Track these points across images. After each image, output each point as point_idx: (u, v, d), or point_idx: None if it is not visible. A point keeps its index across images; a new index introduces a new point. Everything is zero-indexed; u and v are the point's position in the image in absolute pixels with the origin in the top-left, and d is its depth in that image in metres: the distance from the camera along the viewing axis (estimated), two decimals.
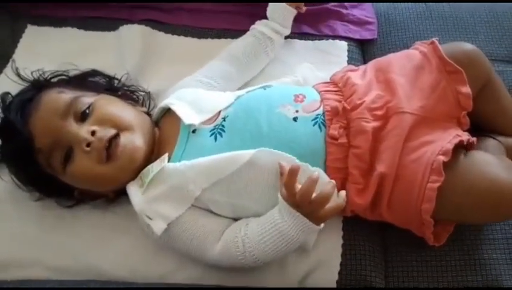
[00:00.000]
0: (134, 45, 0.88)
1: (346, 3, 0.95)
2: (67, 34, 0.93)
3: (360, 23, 0.94)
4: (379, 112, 0.65)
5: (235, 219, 0.67)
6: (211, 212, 0.66)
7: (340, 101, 0.68)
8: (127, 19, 0.93)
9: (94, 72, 0.79)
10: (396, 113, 0.64)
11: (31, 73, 0.76)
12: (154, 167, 0.66)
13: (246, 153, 0.62)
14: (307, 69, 0.84)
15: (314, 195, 0.56)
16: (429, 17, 0.94)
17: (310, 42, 0.91)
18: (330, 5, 0.94)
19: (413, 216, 0.62)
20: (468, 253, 0.70)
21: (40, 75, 0.76)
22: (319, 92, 0.71)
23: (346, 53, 0.89)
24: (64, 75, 0.76)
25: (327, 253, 0.69)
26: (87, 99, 0.69)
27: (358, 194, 0.64)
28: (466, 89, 0.66)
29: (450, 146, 0.61)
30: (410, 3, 0.96)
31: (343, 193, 0.61)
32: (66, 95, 0.68)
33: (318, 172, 0.60)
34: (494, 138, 0.73)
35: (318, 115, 0.66)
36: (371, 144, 0.63)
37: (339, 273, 0.68)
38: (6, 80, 0.79)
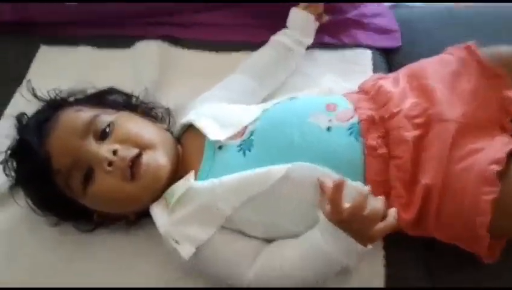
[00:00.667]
0: (151, 61, 0.86)
1: (366, 12, 0.92)
2: (81, 53, 0.91)
3: (383, 31, 0.91)
4: (419, 120, 0.61)
5: (268, 240, 0.62)
6: (242, 233, 0.62)
7: (374, 109, 0.64)
8: (141, 35, 0.91)
9: (112, 90, 0.76)
10: (438, 121, 0.60)
11: (47, 92, 0.73)
12: (179, 186, 0.62)
13: (280, 168, 0.58)
14: (331, 81, 0.81)
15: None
16: (453, 23, 0.91)
17: (331, 52, 0.88)
18: (350, 15, 0.91)
19: (466, 231, 0.57)
20: None
21: (57, 94, 0.73)
22: (351, 101, 0.67)
23: (371, 62, 0.86)
24: (81, 93, 0.73)
25: (369, 274, 0.63)
26: (107, 117, 0.65)
27: (403, 209, 0.59)
28: (510, 94, 0.62)
29: (503, 154, 0.56)
30: (432, 11, 0.93)
31: (393, 210, 0.56)
32: (84, 114, 0.65)
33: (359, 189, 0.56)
34: None
35: (353, 124, 0.62)
36: (412, 154, 0.59)
37: (385, 283, 0.62)
38: (21, 100, 0.76)
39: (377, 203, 0.53)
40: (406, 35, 0.91)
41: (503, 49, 0.67)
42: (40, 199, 0.67)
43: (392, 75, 0.72)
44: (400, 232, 0.63)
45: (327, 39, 0.89)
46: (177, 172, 0.65)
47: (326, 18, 0.84)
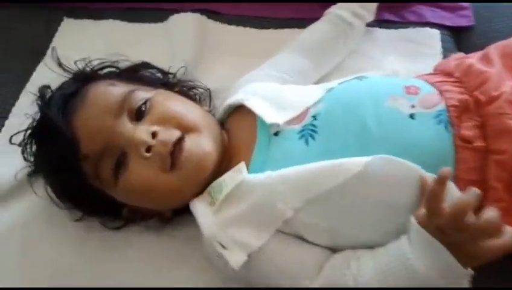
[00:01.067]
0: (186, 37, 0.76)
1: None
2: (108, 27, 0.82)
3: (452, 8, 0.79)
4: None
5: (332, 249, 0.51)
6: (301, 238, 0.51)
7: (467, 93, 0.53)
8: (176, 9, 0.81)
9: (147, 65, 0.66)
10: None
11: (75, 63, 0.64)
12: (228, 180, 0.51)
13: (357, 161, 0.47)
14: (396, 63, 0.70)
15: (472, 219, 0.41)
16: None
17: (393, 31, 0.77)
18: None
19: None
20: None
21: (86, 64, 0.63)
22: (433, 84, 0.56)
23: (440, 43, 0.74)
24: (114, 66, 0.63)
25: None
26: (143, 94, 0.56)
27: (504, 215, 0.47)
28: None
29: None
30: None
31: (510, 228, 0.42)
32: (118, 89, 0.55)
33: (451, 189, 0.44)
34: None
35: (441, 111, 0.51)
36: None
37: None
38: (44, 74, 0.67)
39: (490, 211, 0.42)
40: (480, 13, 0.79)
41: None
42: (63, 188, 0.57)
43: (477, 54, 0.61)
44: None
45: (388, 16, 0.78)
46: (222, 163, 0.55)
47: None
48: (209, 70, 0.73)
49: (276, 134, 0.53)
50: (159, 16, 0.81)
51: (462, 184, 0.48)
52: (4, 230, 0.60)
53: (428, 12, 0.78)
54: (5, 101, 0.72)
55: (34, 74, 0.74)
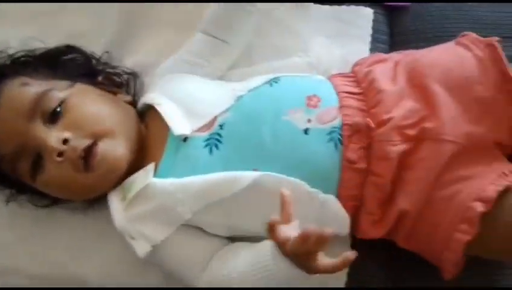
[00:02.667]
0: (114, 9, 0.73)
1: None
2: None
3: None
4: (411, 131, 0.53)
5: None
6: (203, 230, 0.58)
7: (363, 110, 0.56)
8: None
9: (68, 49, 0.66)
10: (434, 139, 0.53)
11: None
12: (138, 181, 0.56)
13: (247, 177, 0.52)
14: (322, 46, 0.71)
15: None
16: None
17: (327, 8, 0.75)
18: None
19: (432, 257, 0.55)
20: (490, 277, 0.63)
21: (3, 59, 0.63)
22: (338, 93, 0.58)
23: (371, 24, 0.74)
24: (29, 56, 0.63)
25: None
26: (58, 94, 0.57)
27: (373, 227, 0.55)
28: None
29: (493, 194, 0.50)
30: None
31: (350, 254, 0.46)
32: (31, 89, 0.57)
33: (331, 202, 0.52)
34: None
35: (334, 128, 0.55)
36: (394, 172, 0.53)
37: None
38: None
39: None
40: None
41: None
42: None
43: (393, 57, 0.62)
44: None
45: None
46: (141, 155, 0.59)
47: None
48: (139, 46, 0.72)
49: (185, 140, 0.57)
50: None
51: (343, 197, 0.55)
52: None
53: None
54: None
55: None
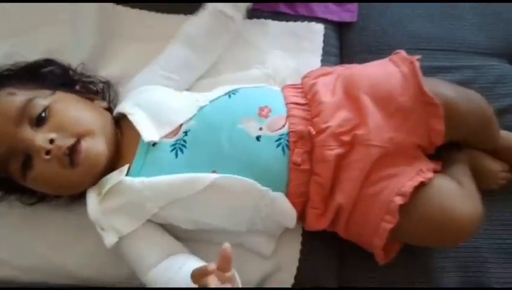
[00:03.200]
0: (90, 23, 0.81)
1: None
2: (17, 6, 0.83)
3: (340, 2, 0.87)
4: (345, 138, 0.63)
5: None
6: (167, 232, 0.67)
7: (306, 119, 0.65)
8: None
9: (47, 63, 0.73)
10: (363, 145, 0.63)
11: None
12: (112, 178, 0.65)
13: (206, 178, 0.62)
14: (279, 58, 0.80)
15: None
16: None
17: (284, 24, 0.85)
18: None
19: (365, 243, 0.65)
20: (419, 259, 0.73)
21: None
22: (287, 104, 0.68)
23: (322, 38, 0.84)
24: (12, 69, 0.71)
25: (286, 258, 0.71)
26: (41, 101, 0.65)
27: (317, 219, 0.65)
28: (440, 126, 0.63)
29: (409, 189, 0.60)
30: None
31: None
32: (17, 98, 0.64)
33: (279, 199, 0.63)
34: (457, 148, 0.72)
35: (282, 135, 0.64)
36: (332, 172, 0.63)
37: (295, 277, 0.71)
38: None
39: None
40: (364, 9, 0.87)
41: (441, 90, 0.65)
42: None
43: (336, 72, 0.71)
44: None
45: (282, 8, 0.85)
46: (116, 158, 0.68)
47: None
48: (114, 57, 0.80)
49: (154, 145, 0.66)
50: None
51: (292, 195, 0.65)
52: None
53: (319, 7, 0.86)
54: None
55: None
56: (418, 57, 0.67)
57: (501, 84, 0.81)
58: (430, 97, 0.63)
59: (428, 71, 0.79)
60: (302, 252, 0.72)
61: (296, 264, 0.71)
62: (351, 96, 0.66)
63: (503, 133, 0.75)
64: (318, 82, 0.69)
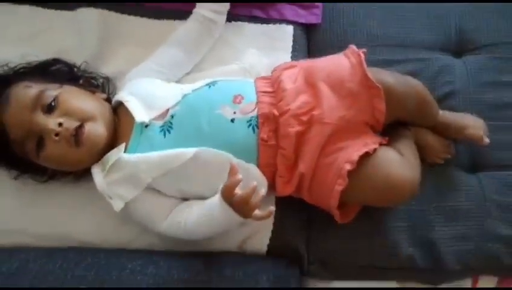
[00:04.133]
0: (92, 28, 0.94)
1: None
2: (26, 12, 0.97)
3: (307, 6, 1.00)
4: (304, 118, 0.76)
5: (185, 199, 0.80)
6: (163, 193, 0.79)
7: (273, 104, 0.78)
8: None
9: (55, 61, 0.86)
10: (319, 123, 0.76)
11: None
12: (112, 156, 0.77)
13: (189, 151, 0.75)
14: (254, 56, 0.93)
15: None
16: (370, 3, 1.01)
17: (258, 26, 0.98)
18: None
19: (325, 204, 0.78)
20: (375, 220, 0.85)
21: (5, 71, 0.83)
22: (257, 92, 0.81)
23: (292, 38, 0.97)
24: (27, 67, 0.84)
25: (261, 223, 0.82)
26: (52, 92, 0.77)
27: (284, 185, 0.78)
28: (381, 106, 0.76)
29: (356, 157, 0.73)
30: None
31: (272, 208, 0.70)
32: (32, 90, 0.77)
33: (252, 169, 0.75)
34: (405, 126, 0.86)
35: (252, 117, 0.77)
36: (295, 146, 0.76)
37: (270, 239, 0.83)
38: None
39: (256, 197, 0.68)
40: (328, 11, 1.01)
41: (382, 77, 0.78)
42: (1, 159, 0.82)
43: (300, 65, 0.84)
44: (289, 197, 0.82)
45: (256, 12, 0.99)
46: (114, 139, 0.80)
47: None
48: (112, 57, 0.93)
49: (146, 126, 0.79)
50: (67, 3, 0.96)
51: (262, 166, 0.78)
52: None
53: (288, 11, 0.99)
54: None
55: None
56: (364, 50, 0.81)
57: (444, 73, 0.95)
58: (372, 82, 0.76)
59: (382, 63, 0.93)
60: (275, 217, 0.83)
61: (271, 227, 0.84)
62: (310, 83, 0.79)
63: (443, 112, 0.88)
64: (283, 74, 0.82)
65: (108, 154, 0.78)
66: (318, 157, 0.76)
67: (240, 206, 0.68)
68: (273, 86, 0.82)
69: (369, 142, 0.76)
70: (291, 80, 0.81)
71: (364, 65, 0.78)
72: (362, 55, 0.79)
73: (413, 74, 0.92)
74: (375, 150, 0.76)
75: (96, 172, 0.79)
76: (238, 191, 0.68)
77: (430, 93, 0.85)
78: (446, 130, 0.87)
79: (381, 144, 0.79)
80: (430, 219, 0.86)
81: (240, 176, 0.67)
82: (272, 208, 0.70)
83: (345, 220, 0.81)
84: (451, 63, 0.96)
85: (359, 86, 0.77)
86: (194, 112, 0.78)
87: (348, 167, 0.73)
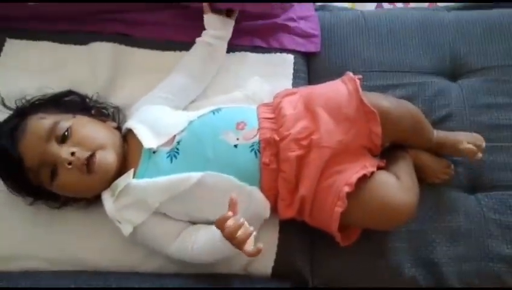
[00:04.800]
0: (104, 61, 1.00)
1: (294, 16, 1.06)
2: (44, 47, 1.03)
3: (306, 36, 1.05)
4: (304, 142, 0.80)
5: (192, 222, 0.83)
6: (171, 217, 0.82)
7: (274, 129, 0.82)
8: (97, 31, 1.03)
9: (68, 93, 0.92)
10: (318, 147, 0.79)
11: (15, 101, 0.90)
12: (121, 182, 0.81)
13: (194, 176, 0.78)
14: (257, 83, 0.97)
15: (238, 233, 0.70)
16: (366, 31, 1.05)
17: (260, 55, 1.03)
18: (279, 19, 1.04)
19: (325, 226, 0.80)
20: (377, 241, 0.87)
21: (23, 103, 0.89)
22: (259, 119, 0.85)
23: (292, 66, 1.02)
24: (42, 99, 0.89)
25: (266, 246, 0.84)
26: (65, 123, 0.82)
27: (286, 208, 0.81)
28: (377, 129, 0.79)
29: (354, 180, 0.76)
30: (351, 17, 1.07)
31: (260, 246, 0.71)
32: (46, 121, 0.82)
33: (255, 192, 0.79)
34: (403, 149, 0.89)
35: (254, 142, 0.81)
36: (295, 169, 0.79)
37: (274, 261, 0.86)
38: None
39: (245, 232, 0.70)
40: (326, 40, 1.05)
41: (377, 101, 0.81)
42: (18, 187, 0.86)
43: (300, 91, 0.88)
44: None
45: (258, 42, 1.04)
46: (124, 165, 0.84)
47: (236, 13, 0.99)
48: (122, 88, 0.98)
49: (154, 152, 0.83)
50: (84, 39, 1.02)
51: (264, 189, 0.81)
52: None
53: (288, 40, 1.04)
54: None
55: None
56: (360, 76, 0.84)
57: (440, 96, 0.98)
58: (368, 106, 0.80)
59: (379, 88, 0.97)
60: (279, 239, 0.87)
61: (275, 250, 0.86)
62: (309, 109, 0.83)
63: (438, 132, 0.90)
64: (284, 100, 0.86)
65: (118, 180, 0.82)
66: (318, 180, 0.79)
67: (229, 239, 0.71)
68: (274, 112, 0.85)
69: (367, 165, 0.79)
70: (291, 106, 0.84)
71: (360, 91, 0.81)
72: (358, 82, 0.83)
73: (410, 98, 0.97)
74: (372, 173, 0.79)
75: (106, 198, 0.82)
76: (230, 223, 0.70)
77: (424, 115, 0.88)
78: (442, 148, 0.90)
79: (379, 167, 0.82)
80: (431, 239, 0.87)
81: (231, 213, 0.70)
82: (260, 245, 0.71)
83: (347, 243, 0.83)
84: (447, 86, 0.99)
85: (355, 111, 0.81)
86: (198, 137, 0.82)
87: (346, 189, 0.76)
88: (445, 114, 0.96)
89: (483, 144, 0.89)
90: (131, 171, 0.82)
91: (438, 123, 0.95)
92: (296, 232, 0.88)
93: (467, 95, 0.97)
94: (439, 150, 0.90)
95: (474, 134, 0.91)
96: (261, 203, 0.81)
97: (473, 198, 0.91)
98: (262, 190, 0.80)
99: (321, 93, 0.85)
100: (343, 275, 0.87)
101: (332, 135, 0.80)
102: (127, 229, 0.80)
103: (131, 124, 0.87)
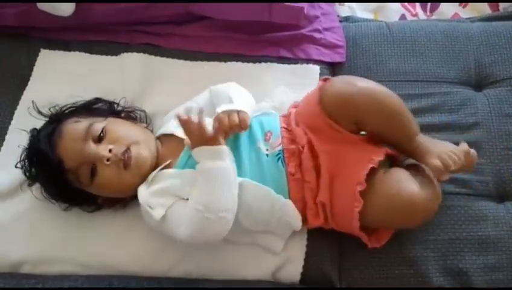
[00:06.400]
0: (134, 71, 1.03)
1: (319, 27, 1.08)
2: (75, 57, 1.07)
3: (331, 46, 1.07)
4: (313, 152, 0.83)
5: None
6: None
7: (292, 140, 0.85)
8: (126, 42, 1.07)
9: (97, 100, 0.95)
10: (320, 152, 0.82)
11: (49, 109, 0.93)
12: (155, 171, 0.84)
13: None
14: (283, 93, 0.99)
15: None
16: (391, 41, 1.07)
17: (286, 66, 1.05)
18: (305, 30, 1.07)
19: (349, 228, 0.81)
20: (405, 250, 0.87)
21: (56, 110, 0.92)
22: (280, 128, 0.87)
23: (318, 76, 1.03)
24: (73, 106, 0.93)
25: (294, 253, 0.87)
26: (99, 124, 0.85)
27: (313, 218, 0.83)
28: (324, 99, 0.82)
29: (363, 177, 0.78)
30: (375, 28, 1.09)
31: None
32: (81, 124, 0.85)
33: (288, 205, 0.82)
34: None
35: (280, 151, 0.84)
36: (316, 178, 0.81)
37: (303, 267, 0.86)
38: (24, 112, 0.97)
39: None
40: (351, 50, 1.07)
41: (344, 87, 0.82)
42: (56, 192, 0.88)
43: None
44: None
45: (284, 53, 1.06)
46: (157, 162, 0.87)
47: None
48: (151, 97, 1.01)
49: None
50: (114, 49, 1.06)
51: (293, 200, 0.82)
52: (14, 216, 0.91)
53: (314, 50, 1.06)
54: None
55: (16, 113, 1.00)
56: (327, 77, 0.87)
57: (466, 105, 0.98)
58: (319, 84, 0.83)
59: (404, 98, 0.96)
60: (308, 246, 0.87)
61: (303, 256, 0.87)
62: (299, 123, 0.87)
63: (423, 137, 0.85)
64: (291, 112, 0.90)
65: (153, 172, 0.85)
66: (330, 184, 0.81)
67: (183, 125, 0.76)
68: (292, 123, 0.88)
69: (373, 158, 0.80)
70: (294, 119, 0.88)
71: (318, 87, 0.84)
72: (320, 83, 0.85)
73: (436, 107, 0.98)
74: (380, 162, 0.80)
75: (141, 188, 0.84)
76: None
77: (405, 106, 0.84)
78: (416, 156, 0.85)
79: (387, 155, 0.83)
80: (459, 248, 0.87)
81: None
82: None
83: (376, 245, 0.83)
84: (472, 96, 1.00)
85: (319, 112, 0.83)
86: (236, 144, 0.84)
87: (358, 188, 0.78)
88: (472, 123, 0.96)
89: (454, 168, 0.78)
90: (167, 162, 0.85)
91: (465, 131, 0.95)
92: (324, 239, 0.88)
93: (493, 104, 0.98)
94: (419, 157, 0.84)
95: (460, 150, 0.81)
96: (293, 215, 0.82)
97: (502, 207, 0.91)
98: (291, 198, 0.82)
99: (298, 110, 0.90)
100: (371, 283, 0.87)
101: (318, 140, 0.83)
102: (159, 213, 0.80)
103: (168, 128, 0.89)
